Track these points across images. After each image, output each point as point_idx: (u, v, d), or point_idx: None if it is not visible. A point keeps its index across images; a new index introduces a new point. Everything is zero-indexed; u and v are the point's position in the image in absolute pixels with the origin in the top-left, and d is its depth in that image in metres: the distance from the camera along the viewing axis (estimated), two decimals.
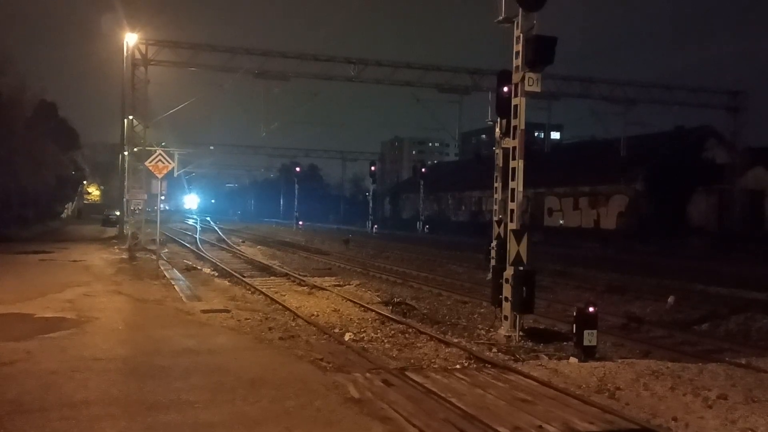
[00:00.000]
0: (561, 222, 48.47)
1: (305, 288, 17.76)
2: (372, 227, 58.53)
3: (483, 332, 12.00)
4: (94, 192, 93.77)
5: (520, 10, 11.11)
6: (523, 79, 11.09)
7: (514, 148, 11.45)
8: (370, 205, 66.24)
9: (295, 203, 69.39)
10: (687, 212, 41.79)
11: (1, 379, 7.49)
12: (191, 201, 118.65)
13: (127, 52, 32.11)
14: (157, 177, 20.36)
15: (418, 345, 10.54)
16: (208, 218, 77.89)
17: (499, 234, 15.54)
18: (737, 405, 7.35)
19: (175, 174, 54.71)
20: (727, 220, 40.78)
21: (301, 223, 64.40)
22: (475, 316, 14.08)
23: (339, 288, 17.78)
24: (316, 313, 13.46)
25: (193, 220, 67.77)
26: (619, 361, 9.55)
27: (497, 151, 18.38)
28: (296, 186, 71.13)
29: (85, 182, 78.59)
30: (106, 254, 25.80)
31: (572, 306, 11.24)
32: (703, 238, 36.67)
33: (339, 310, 13.95)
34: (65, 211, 66.21)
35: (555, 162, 51.89)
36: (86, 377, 7.62)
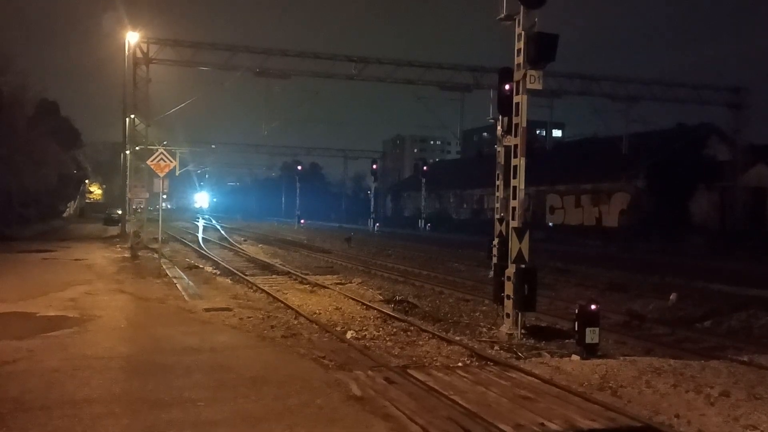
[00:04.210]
0: (550, 224, 48.36)
1: (307, 286, 17.77)
2: (374, 225, 58.50)
3: (485, 330, 12.00)
4: (95, 191, 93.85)
5: (522, 7, 11.09)
6: (524, 76, 11.08)
7: (515, 146, 11.44)
8: (372, 203, 66.23)
9: (297, 201, 69.41)
10: (689, 210, 41.71)
11: (3, 377, 7.51)
12: (202, 199, 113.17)
13: (128, 50, 32.09)
14: (158, 175, 20.36)
15: (420, 343, 10.54)
16: (208, 216, 77.86)
17: (500, 232, 15.50)
18: (740, 402, 7.35)
19: (177, 173, 54.60)
20: (729, 217, 40.68)
21: (302, 221, 64.41)
22: (477, 313, 14.08)
23: (341, 286, 17.79)
24: (317, 311, 13.47)
25: (205, 221, 66.54)
26: (621, 358, 9.56)
27: (499, 149, 18.32)
28: (298, 184, 71.16)
29: (86, 181, 78.66)
30: (108, 253, 25.84)
31: (574, 303, 11.24)
32: (705, 236, 36.59)
33: (341, 308, 13.96)
34: (67, 210, 66.24)
35: (557, 160, 51.89)
36: (88, 375, 7.63)
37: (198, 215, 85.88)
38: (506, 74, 11.84)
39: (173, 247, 31.29)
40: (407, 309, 14.14)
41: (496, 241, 15.56)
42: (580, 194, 47.63)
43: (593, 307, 9.63)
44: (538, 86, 11.15)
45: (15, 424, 5.95)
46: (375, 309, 13.68)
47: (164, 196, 22.98)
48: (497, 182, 18.79)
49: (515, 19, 11.30)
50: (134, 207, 31.84)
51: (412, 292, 17.25)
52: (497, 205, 18.37)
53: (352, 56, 35.42)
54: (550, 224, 48.38)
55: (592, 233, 43.30)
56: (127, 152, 34.26)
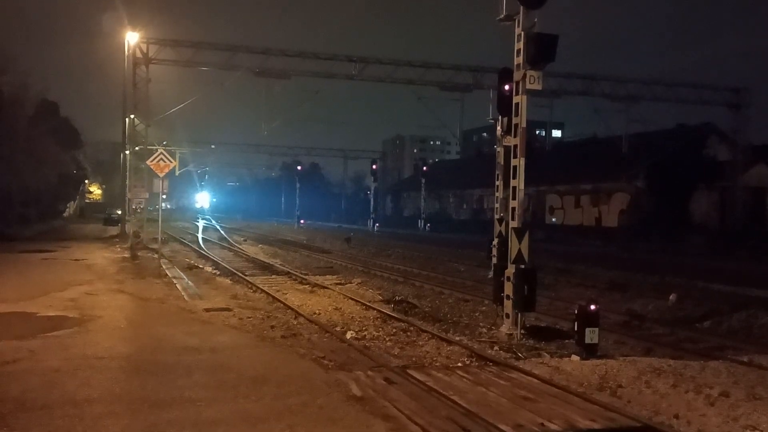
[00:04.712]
0: (554, 219, 48.52)
1: (307, 286, 17.78)
2: (373, 226, 58.52)
3: (484, 330, 12.01)
4: (95, 191, 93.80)
5: (521, 7, 11.10)
6: (524, 77, 11.09)
7: (515, 146, 11.45)
8: (372, 203, 66.23)
9: (297, 202, 69.41)
10: (689, 210, 41.74)
11: (4, 377, 7.52)
12: (203, 199, 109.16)
13: (128, 50, 32.10)
14: (158, 176, 20.36)
15: (420, 343, 10.55)
16: (208, 217, 77.87)
17: (500, 232, 15.52)
18: (739, 402, 7.36)
19: (177, 173, 54.57)
20: (729, 217, 40.70)
21: (302, 221, 64.40)
22: (477, 314, 14.09)
23: (340, 286, 17.80)
24: (317, 311, 13.48)
25: (205, 221, 65.69)
26: (621, 358, 9.56)
27: (498, 149, 18.35)
28: (297, 184, 71.14)
29: (86, 181, 78.64)
30: (108, 253, 25.84)
31: (574, 304, 11.24)
32: (705, 236, 36.61)
33: (341, 308, 13.96)
34: (67, 210, 66.28)
35: (556, 160, 51.89)
36: (89, 375, 7.64)
37: (199, 215, 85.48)
38: (506, 74, 11.85)
39: (173, 248, 31.31)
40: (407, 309, 14.15)
41: (495, 242, 15.58)
42: (580, 194, 47.64)
43: (593, 307, 9.64)
44: (537, 86, 11.16)
45: (16, 423, 5.96)
46: (375, 309, 13.69)
47: (164, 197, 22.99)
48: (497, 182, 18.83)
49: (515, 20, 11.31)
50: (134, 207, 31.83)
51: (412, 293, 17.26)
52: (497, 205, 18.40)
53: (352, 56, 35.42)
54: (554, 219, 48.46)
55: (592, 233, 43.33)
56: (127, 152, 34.26)
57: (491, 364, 9.04)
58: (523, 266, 11.01)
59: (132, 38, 31.87)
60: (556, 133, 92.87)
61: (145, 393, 7.00)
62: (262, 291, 16.12)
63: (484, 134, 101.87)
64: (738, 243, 33.51)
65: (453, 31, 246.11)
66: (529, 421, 6.40)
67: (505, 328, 11.41)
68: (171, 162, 20.18)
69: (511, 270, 11.20)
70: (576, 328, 9.64)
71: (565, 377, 8.32)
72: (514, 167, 11.44)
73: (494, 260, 15.12)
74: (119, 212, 42.90)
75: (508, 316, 11.41)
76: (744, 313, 14.14)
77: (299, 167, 75.80)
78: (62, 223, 54.72)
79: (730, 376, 8.68)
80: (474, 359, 9.41)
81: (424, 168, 66.54)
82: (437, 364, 9.11)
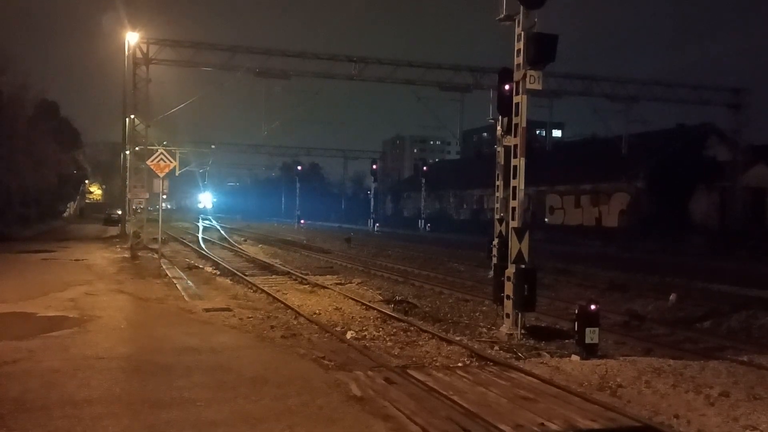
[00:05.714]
0: (546, 221, 48.55)
1: (307, 286, 17.78)
2: (373, 226, 58.55)
3: (485, 330, 12.01)
4: (95, 191, 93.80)
5: (521, 8, 11.11)
6: (524, 77, 11.09)
7: (515, 146, 11.45)
8: (372, 203, 66.30)
9: (297, 202, 69.43)
10: (689, 210, 41.72)
11: (3, 377, 7.52)
12: (206, 199, 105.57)
13: (128, 51, 32.08)
14: (158, 176, 20.36)
15: (420, 343, 10.55)
16: (209, 217, 77.87)
17: (500, 232, 15.52)
18: (739, 402, 7.36)
19: (177, 173, 54.50)
20: (728, 217, 40.68)
21: (302, 221, 64.42)
22: (477, 314, 14.08)
23: (341, 286, 17.79)
24: (317, 311, 13.48)
25: (207, 222, 64.83)
26: (621, 358, 9.56)
27: (498, 149, 18.34)
28: (297, 185, 71.18)
29: (86, 181, 78.60)
30: (108, 253, 25.83)
31: (574, 304, 11.25)
32: (705, 236, 36.58)
33: (341, 308, 13.96)
34: (67, 210, 66.27)
35: (556, 160, 51.89)
36: (88, 376, 7.64)
37: (200, 216, 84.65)
38: (506, 74, 11.85)
39: (173, 248, 31.30)
40: (407, 309, 14.15)
41: (495, 242, 15.58)
42: (580, 194, 47.62)
43: (593, 307, 9.64)
44: (537, 86, 11.16)
45: (16, 424, 5.95)
46: (375, 309, 13.69)
47: (164, 197, 22.98)
48: (497, 182, 18.79)
49: (515, 20, 11.31)
50: (134, 207, 31.83)
51: (412, 293, 17.26)
52: (497, 205, 18.38)
53: (352, 56, 35.41)
54: (546, 219, 48.42)
55: (592, 233, 43.31)
56: (127, 152, 34.26)
57: (491, 364, 9.03)
58: (523, 266, 11.01)
59: (132, 38, 31.85)
60: (556, 133, 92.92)
61: (144, 393, 6.99)
62: (262, 291, 16.11)
63: (484, 134, 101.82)
64: (738, 243, 33.48)
65: (453, 31, 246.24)
66: (529, 421, 6.40)
67: (506, 328, 11.41)
68: (171, 162, 20.18)
69: (511, 270, 11.20)
70: (576, 328, 9.64)
71: (565, 377, 8.32)
72: (514, 167, 11.44)
73: (494, 260, 15.11)
74: (119, 212, 42.89)
75: (508, 316, 11.41)
76: (744, 314, 14.15)
77: (299, 167, 75.91)
78: (62, 223, 54.72)
79: (730, 376, 8.68)
80: (474, 359, 9.41)
81: (424, 168, 66.62)
82: (437, 364, 9.10)
